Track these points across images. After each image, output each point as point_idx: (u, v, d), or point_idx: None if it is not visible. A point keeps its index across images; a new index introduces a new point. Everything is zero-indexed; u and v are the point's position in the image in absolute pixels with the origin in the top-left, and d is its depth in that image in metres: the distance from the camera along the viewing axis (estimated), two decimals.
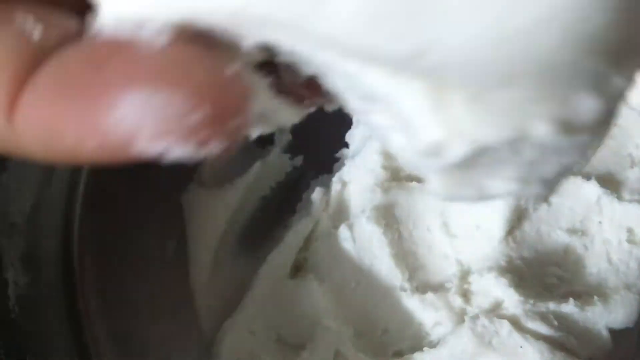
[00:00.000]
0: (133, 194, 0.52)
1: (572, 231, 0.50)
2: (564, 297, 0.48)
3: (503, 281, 0.48)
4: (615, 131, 0.53)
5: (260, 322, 0.49)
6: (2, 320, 0.44)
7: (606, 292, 0.48)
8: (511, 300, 0.48)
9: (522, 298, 0.47)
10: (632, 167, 0.52)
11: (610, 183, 0.51)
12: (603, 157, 0.52)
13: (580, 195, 0.50)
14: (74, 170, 0.51)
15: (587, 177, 0.51)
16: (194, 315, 0.50)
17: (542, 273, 0.49)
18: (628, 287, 0.48)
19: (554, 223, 0.50)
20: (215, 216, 0.51)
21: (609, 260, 0.49)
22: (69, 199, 0.51)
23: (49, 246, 0.49)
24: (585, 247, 0.50)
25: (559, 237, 0.50)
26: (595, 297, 0.48)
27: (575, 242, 0.50)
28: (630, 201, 0.50)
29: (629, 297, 0.47)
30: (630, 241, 0.50)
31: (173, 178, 0.52)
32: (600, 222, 0.50)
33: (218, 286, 0.50)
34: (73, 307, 0.49)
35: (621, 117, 0.52)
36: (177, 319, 0.50)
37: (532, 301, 0.47)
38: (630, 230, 0.50)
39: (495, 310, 0.48)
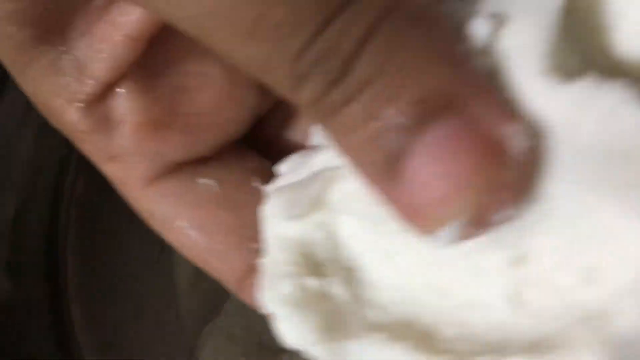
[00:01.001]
0: (117, 200, 0.52)
1: None
2: None
3: None
4: None
5: (241, 327, 0.49)
6: None
7: None
8: None
9: None
10: None
11: None
12: None
13: None
14: (58, 177, 0.51)
15: None
16: (179, 320, 0.50)
17: None
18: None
19: None
20: None
21: None
22: (53, 206, 0.51)
23: (32, 253, 0.49)
24: None
25: None
26: None
27: None
28: None
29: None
30: None
31: None
32: None
33: (201, 290, 0.50)
34: (57, 313, 0.49)
35: None
36: (162, 325, 0.50)
37: None
38: None
39: None
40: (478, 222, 0.19)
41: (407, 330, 0.22)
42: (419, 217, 0.19)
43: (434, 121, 0.19)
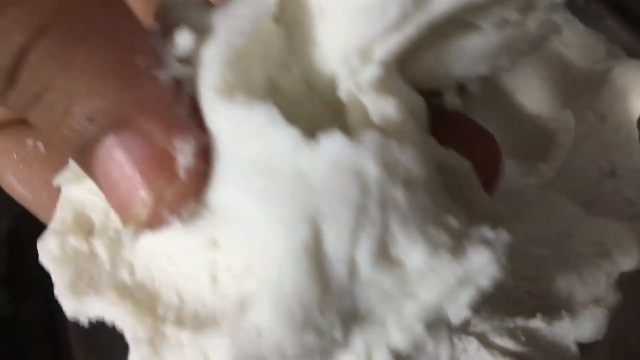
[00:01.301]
0: None
1: (544, 245, 0.48)
2: (532, 312, 0.46)
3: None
4: (584, 143, 0.51)
5: None
6: None
7: (575, 307, 0.46)
8: (479, 316, 0.46)
9: (489, 314, 0.45)
10: (601, 180, 0.51)
11: (582, 197, 0.50)
12: (573, 169, 0.51)
13: (553, 209, 0.49)
14: None
15: (560, 191, 0.49)
16: None
17: (511, 287, 0.47)
18: (597, 301, 0.46)
19: (528, 237, 0.48)
20: None
21: (579, 274, 0.47)
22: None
23: (27, 268, 0.51)
24: (556, 262, 0.47)
25: (531, 251, 0.48)
26: (563, 312, 0.46)
27: (547, 257, 0.48)
28: (600, 215, 0.49)
29: (597, 311, 0.46)
30: (599, 255, 0.47)
31: None
32: (569, 236, 0.48)
33: None
34: (53, 326, 0.51)
35: (591, 128, 0.51)
36: None
37: (500, 317, 0.45)
38: (599, 244, 0.48)
39: (462, 327, 0.44)
40: (156, 219, 0.22)
41: (141, 292, 0.25)
42: (119, 211, 0.23)
43: (106, 136, 0.21)
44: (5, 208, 0.49)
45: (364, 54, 0.22)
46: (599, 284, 0.46)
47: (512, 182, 0.48)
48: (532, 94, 0.53)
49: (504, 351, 0.44)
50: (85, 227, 0.26)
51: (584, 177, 0.51)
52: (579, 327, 0.45)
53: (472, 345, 0.44)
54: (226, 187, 0.22)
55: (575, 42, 0.54)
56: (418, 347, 0.22)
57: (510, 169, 0.49)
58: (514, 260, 0.43)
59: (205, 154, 0.22)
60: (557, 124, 0.51)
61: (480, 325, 0.45)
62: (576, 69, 0.54)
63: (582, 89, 0.53)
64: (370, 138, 0.20)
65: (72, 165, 0.26)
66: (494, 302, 0.45)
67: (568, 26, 0.54)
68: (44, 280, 0.50)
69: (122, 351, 0.48)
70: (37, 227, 0.51)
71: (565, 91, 0.53)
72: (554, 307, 0.46)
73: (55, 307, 0.50)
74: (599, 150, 0.51)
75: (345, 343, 0.21)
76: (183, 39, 0.21)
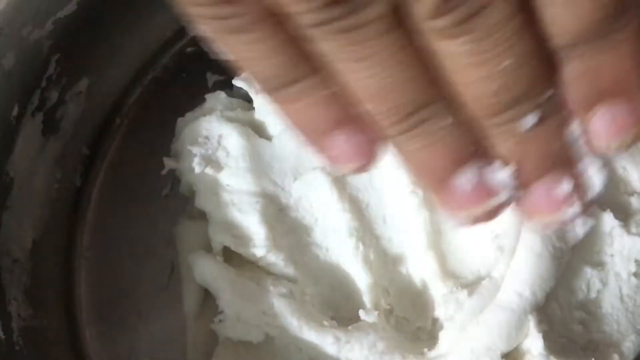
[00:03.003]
0: (131, 228, 0.53)
1: (592, 264, 0.47)
2: (585, 350, 0.46)
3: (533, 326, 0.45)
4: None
5: None
6: (6, 352, 0.47)
7: (618, 339, 0.46)
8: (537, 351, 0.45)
9: (545, 352, 0.44)
10: (631, 195, 0.49)
11: (621, 214, 0.48)
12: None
13: (597, 226, 0.47)
14: (74, 206, 0.54)
15: (603, 207, 0.48)
16: (184, 346, 0.50)
17: (570, 317, 0.46)
18: (636, 330, 0.46)
19: (579, 254, 0.47)
20: (203, 247, 0.51)
21: (621, 298, 0.46)
22: (70, 234, 0.53)
23: (51, 279, 0.51)
24: (602, 282, 0.47)
25: (584, 271, 0.47)
26: (612, 350, 0.45)
27: (595, 277, 0.47)
28: (638, 234, 0.47)
29: (638, 342, 0.46)
30: (637, 275, 0.47)
31: (166, 212, 0.53)
32: (612, 255, 0.47)
33: (207, 321, 0.49)
34: (75, 337, 0.51)
35: None
36: (172, 348, 0.50)
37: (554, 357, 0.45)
38: (638, 264, 0.47)
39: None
40: None
41: None
42: None
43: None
44: (29, 221, 0.50)
45: None
46: (636, 308, 0.46)
47: None
48: None
49: None
50: None
51: (613, 189, 0.49)
52: None
53: None
54: None
55: None
56: None
57: None
58: (571, 282, 0.44)
59: None
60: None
61: None
62: None
63: None
64: None
65: None
66: (553, 341, 0.45)
67: None
68: (67, 292, 0.51)
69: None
70: (61, 240, 0.52)
71: None
72: (603, 342, 0.45)
73: (78, 320, 0.51)
74: (618, 157, 0.50)
75: None
76: None
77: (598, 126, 0.31)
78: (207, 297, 0.50)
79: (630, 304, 0.46)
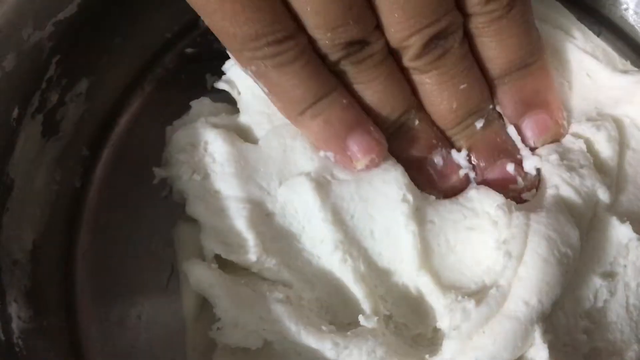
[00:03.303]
0: (130, 229, 0.53)
1: (603, 275, 0.48)
2: (587, 358, 0.46)
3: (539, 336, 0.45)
4: (630, 155, 0.51)
5: None
6: (6, 354, 0.46)
7: (621, 348, 0.46)
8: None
9: None
10: None
11: (638, 225, 0.48)
12: (627, 190, 0.50)
13: (612, 236, 0.48)
14: (74, 208, 0.54)
15: (622, 219, 0.48)
16: (184, 348, 0.50)
17: (575, 326, 0.47)
18: (639, 340, 0.47)
19: (588, 264, 0.48)
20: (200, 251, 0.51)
21: (627, 307, 0.47)
22: (70, 235, 0.53)
23: (50, 281, 0.51)
24: (610, 292, 0.48)
25: (592, 281, 0.48)
26: (615, 358, 0.46)
27: (604, 287, 0.47)
28: None
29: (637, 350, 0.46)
30: None
31: (165, 213, 0.53)
32: (625, 266, 0.48)
33: (206, 323, 0.49)
34: (75, 338, 0.51)
35: (633, 139, 0.51)
36: (172, 348, 0.50)
37: None
38: None
39: None
40: None
41: None
42: None
43: None
44: (29, 222, 0.50)
45: None
46: None
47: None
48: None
49: None
50: None
51: (634, 196, 0.50)
52: None
53: None
54: None
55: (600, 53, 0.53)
56: None
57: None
58: (578, 291, 0.44)
59: None
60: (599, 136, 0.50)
61: None
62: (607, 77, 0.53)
63: (616, 98, 0.52)
64: None
65: None
66: (557, 350, 0.45)
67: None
68: (67, 294, 0.51)
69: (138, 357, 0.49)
70: (61, 241, 0.52)
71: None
72: (606, 349, 0.46)
73: (78, 321, 0.51)
74: None
75: None
76: None
77: (526, 131, 0.48)
78: (206, 301, 0.49)
79: (635, 314, 0.47)
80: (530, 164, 0.48)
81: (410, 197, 0.47)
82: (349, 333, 0.46)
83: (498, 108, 0.50)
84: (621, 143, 0.50)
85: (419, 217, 0.47)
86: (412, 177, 0.48)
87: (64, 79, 0.51)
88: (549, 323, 0.44)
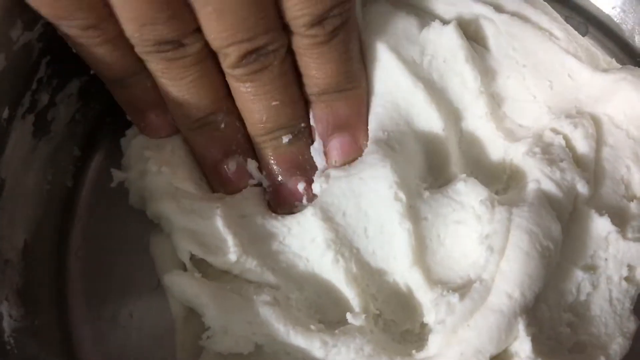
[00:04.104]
0: (121, 228, 0.54)
1: (584, 268, 0.48)
2: (572, 352, 0.47)
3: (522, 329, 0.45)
4: (607, 152, 0.51)
5: None
6: None
7: (605, 342, 0.47)
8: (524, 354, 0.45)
9: (533, 355, 0.45)
10: (631, 200, 0.50)
11: (618, 218, 0.49)
12: (604, 184, 0.51)
13: (592, 229, 0.49)
14: (65, 207, 0.54)
15: (601, 212, 0.49)
16: (174, 348, 0.50)
17: (558, 319, 0.47)
18: (623, 333, 0.47)
19: (570, 257, 0.48)
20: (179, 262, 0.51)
21: (610, 301, 0.48)
22: (61, 234, 0.54)
23: (42, 279, 0.52)
24: (593, 285, 0.48)
25: (575, 274, 0.48)
26: (599, 352, 0.46)
27: (586, 280, 0.48)
28: (633, 239, 0.48)
29: (623, 344, 0.47)
30: (628, 280, 0.48)
31: None
32: (606, 260, 0.48)
33: (196, 323, 0.49)
34: (67, 336, 0.52)
35: (611, 136, 0.51)
36: (163, 347, 0.51)
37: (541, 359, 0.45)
38: (630, 269, 0.48)
39: None
40: None
41: None
42: None
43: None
44: (20, 222, 0.51)
45: None
46: (624, 311, 0.47)
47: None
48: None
49: None
50: None
51: (612, 192, 0.50)
52: None
53: None
54: None
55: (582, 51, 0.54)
56: None
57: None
58: (561, 284, 0.44)
59: None
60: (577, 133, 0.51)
61: None
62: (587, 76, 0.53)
63: (595, 97, 0.52)
64: None
65: None
66: (541, 343, 0.45)
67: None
68: (59, 292, 0.52)
69: (128, 356, 0.50)
70: (52, 241, 0.52)
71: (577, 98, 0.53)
72: (590, 343, 0.46)
73: (69, 320, 0.51)
74: (618, 157, 0.51)
75: None
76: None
77: (332, 150, 0.50)
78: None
79: (618, 307, 0.47)
80: (317, 187, 0.50)
81: (402, 196, 0.47)
82: (337, 331, 0.46)
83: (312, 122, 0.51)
84: (599, 140, 0.50)
85: (414, 214, 0.47)
86: (205, 175, 0.52)
87: (55, 80, 0.52)
88: (532, 316, 0.45)
